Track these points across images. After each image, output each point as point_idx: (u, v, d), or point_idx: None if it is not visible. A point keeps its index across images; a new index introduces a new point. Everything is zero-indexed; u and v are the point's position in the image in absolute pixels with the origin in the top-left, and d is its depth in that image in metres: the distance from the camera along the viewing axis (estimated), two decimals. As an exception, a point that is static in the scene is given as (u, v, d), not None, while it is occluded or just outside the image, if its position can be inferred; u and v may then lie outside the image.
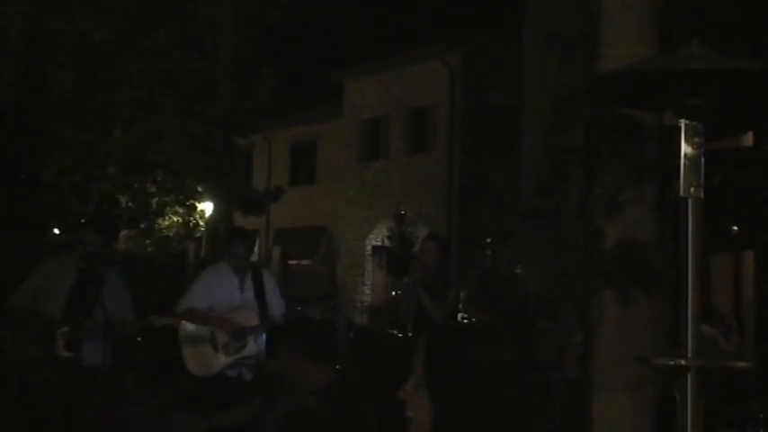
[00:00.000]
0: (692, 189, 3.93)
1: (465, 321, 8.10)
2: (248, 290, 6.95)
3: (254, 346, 6.83)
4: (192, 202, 22.39)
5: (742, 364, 4.60)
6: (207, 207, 22.44)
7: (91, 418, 6.47)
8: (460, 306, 8.38)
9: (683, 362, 3.93)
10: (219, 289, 6.98)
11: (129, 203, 21.30)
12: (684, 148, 3.94)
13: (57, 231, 19.32)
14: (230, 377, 6.84)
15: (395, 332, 8.81)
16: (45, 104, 18.60)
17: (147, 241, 22.01)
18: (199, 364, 6.88)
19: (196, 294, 7.03)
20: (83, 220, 12.22)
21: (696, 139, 3.93)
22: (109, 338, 6.58)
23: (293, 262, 21.55)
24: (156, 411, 7.12)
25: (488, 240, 21.17)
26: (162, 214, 22.11)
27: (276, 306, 7.05)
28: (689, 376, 3.93)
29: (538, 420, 6.57)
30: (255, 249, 28.99)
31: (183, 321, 6.96)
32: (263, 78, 20.91)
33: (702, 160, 3.95)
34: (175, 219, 22.35)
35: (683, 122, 3.94)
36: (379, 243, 25.01)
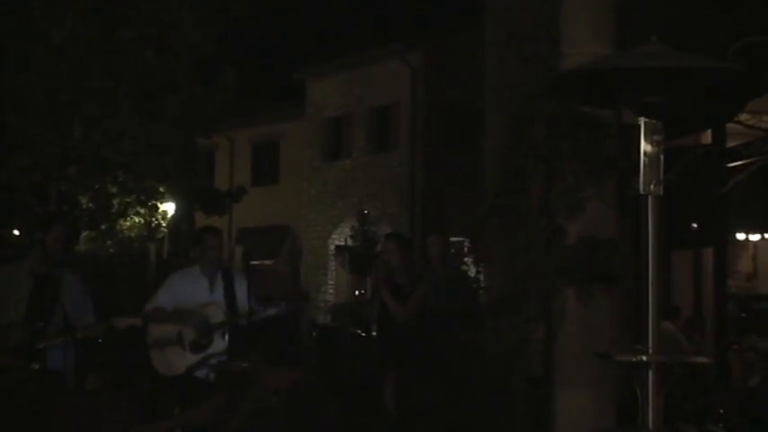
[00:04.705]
0: (652, 186, 3.96)
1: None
2: (217, 290, 6.93)
3: (221, 342, 6.78)
4: (154, 202, 22.17)
5: (701, 360, 4.64)
6: (169, 207, 22.28)
7: (55, 425, 6.36)
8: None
9: (644, 358, 3.97)
10: (187, 289, 6.96)
11: (90, 204, 21.06)
12: (644, 145, 3.97)
13: (16, 233, 19.07)
14: (197, 378, 6.77)
15: (358, 331, 8.80)
16: (4, 103, 18.37)
17: (109, 242, 21.77)
18: (166, 364, 6.85)
19: (163, 295, 7.02)
20: (42, 222, 12.05)
21: (655, 137, 3.97)
22: (71, 342, 6.47)
23: (256, 262, 21.42)
24: (118, 417, 7.03)
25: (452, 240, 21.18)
26: (123, 215, 21.88)
27: (244, 307, 7.01)
28: (650, 372, 3.97)
29: (501, 417, 6.59)
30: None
31: (151, 322, 6.92)
32: (224, 78, 20.80)
33: (662, 158, 3.98)
34: (137, 219, 22.13)
35: (642, 120, 3.97)
36: (343, 242, 24.97)
